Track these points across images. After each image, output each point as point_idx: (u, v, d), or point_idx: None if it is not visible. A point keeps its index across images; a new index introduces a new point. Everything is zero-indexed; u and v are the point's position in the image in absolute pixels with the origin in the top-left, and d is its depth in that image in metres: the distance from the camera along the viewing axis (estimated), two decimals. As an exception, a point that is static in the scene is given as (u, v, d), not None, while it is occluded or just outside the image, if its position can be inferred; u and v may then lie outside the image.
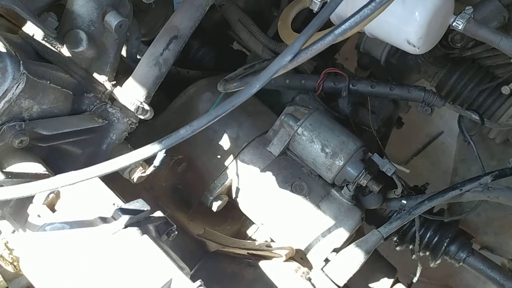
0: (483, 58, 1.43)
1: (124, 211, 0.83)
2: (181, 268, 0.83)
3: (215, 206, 1.29)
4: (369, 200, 1.26)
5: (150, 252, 0.82)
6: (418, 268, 1.53)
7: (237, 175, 1.29)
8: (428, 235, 1.43)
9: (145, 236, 0.83)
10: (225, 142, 1.32)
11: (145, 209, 0.85)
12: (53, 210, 0.88)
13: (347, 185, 1.23)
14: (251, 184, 1.28)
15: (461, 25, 1.07)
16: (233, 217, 1.42)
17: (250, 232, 1.42)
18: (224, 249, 1.18)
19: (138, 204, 0.85)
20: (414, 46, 1.09)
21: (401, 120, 1.67)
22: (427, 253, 1.47)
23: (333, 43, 0.79)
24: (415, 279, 1.59)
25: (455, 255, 1.45)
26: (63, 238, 0.82)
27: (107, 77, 1.11)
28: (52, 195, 0.88)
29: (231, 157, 1.30)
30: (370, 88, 1.31)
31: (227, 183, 1.29)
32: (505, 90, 1.29)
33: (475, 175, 1.60)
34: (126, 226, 0.82)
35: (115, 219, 0.82)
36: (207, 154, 1.32)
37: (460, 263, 1.47)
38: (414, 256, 1.48)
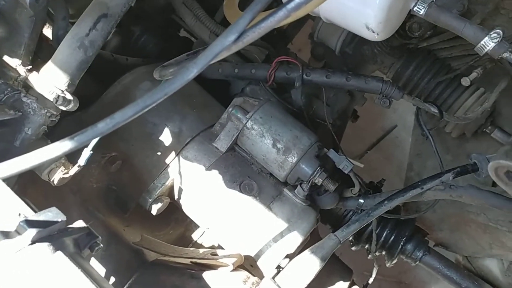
0: (439, 50, 1.39)
1: (31, 223, 0.67)
2: (105, 290, 0.69)
3: (155, 209, 1.15)
4: (324, 200, 1.17)
5: (65, 272, 0.67)
6: (374, 269, 1.47)
7: (180, 174, 1.17)
8: (384, 234, 1.37)
9: (59, 253, 0.68)
10: (166, 137, 1.19)
11: (59, 219, 0.70)
12: None
13: (300, 184, 1.13)
14: (195, 184, 1.16)
15: (423, 10, 1.00)
16: (177, 220, 1.30)
17: (195, 236, 1.30)
18: (164, 259, 1.05)
19: (51, 214, 0.70)
20: (373, 32, 1.00)
21: (356, 113, 1.60)
22: (383, 253, 1.41)
23: (286, 23, 0.68)
24: (370, 280, 1.53)
25: (411, 254, 1.41)
26: (-48, 258, 0.66)
27: (20, 61, 0.95)
28: None
29: (173, 154, 1.17)
30: (325, 78, 1.22)
31: (168, 183, 1.17)
32: (465, 81, 1.23)
33: (430, 170, 1.57)
34: (33, 242, 0.67)
35: (19, 234, 0.67)
36: (146, 150, 1.18)
37: (417, 262, 1.43)
38: (370, 256, 1.41)
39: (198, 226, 1.29)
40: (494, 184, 1.30)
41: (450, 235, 1.55)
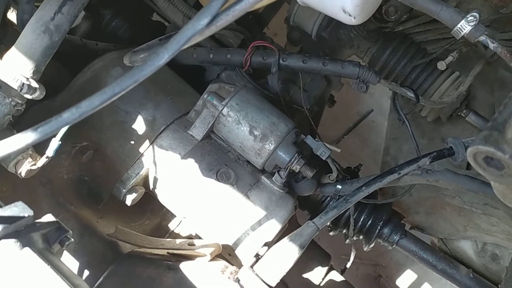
0: (415, 34, 1.38)
1: (-5, 219, 0.64)
2: (76, 287, 0.66)
3: (129, 199, 1.12)
4: (302, 186, 1.15)
5: (34, 269, 0.65)
6: (352, 253, 1.48)
7: (154, 163, 1.13)
8: (361, 219, 1.38)
9: (27, 249, 0.65)
10: (139, 125, 1.15)
11: (26, 214, 0.67)
12: None
13: (278, 171, 1.12)
14: (170, 173, 1.13)
15: (399, -7, 0.98)
16: (152, 210, 1.27)
17: (172, 226, 1.27)
18: (140, 250, 1.02)
19: (17, 209, 0.67)
20: (350, 15, 0.98)
21: (333, 98, 1.59)
22: (361, 237, 1.42)
23: (261, 6, 0.65)
24: (348, 264, 1.54)
25: (388, 238, 1.42)
26: None
27: (-19, 47, 0.89)
28: None
29: (147, 142, 1.14)
30: (302, 63, 1.20)
31: (142, 172, 1.13)
32: (441, 65, 1.23)
33: (406, 154, 1.58)
34: (-2, 239, 0.64)
35: (-17, 231, 0.64)
36: (119, 139, 1.14)
37: (394, 246, 1.44)
38: (347, 241, 1.42)
39: (175, 216, 1.26)
40: (468, 166, 1.32)
41: (426, 218, 1.57)
